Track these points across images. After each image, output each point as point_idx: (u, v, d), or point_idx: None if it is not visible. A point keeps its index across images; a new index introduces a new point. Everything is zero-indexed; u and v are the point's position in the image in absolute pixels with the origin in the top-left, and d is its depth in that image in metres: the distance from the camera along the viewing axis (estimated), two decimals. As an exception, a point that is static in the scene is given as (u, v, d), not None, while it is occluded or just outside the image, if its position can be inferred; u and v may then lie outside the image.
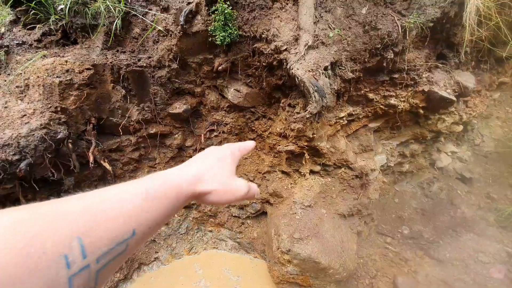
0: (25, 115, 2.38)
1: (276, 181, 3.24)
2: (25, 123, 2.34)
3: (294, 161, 3.16)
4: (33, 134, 2.30)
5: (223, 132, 3.31)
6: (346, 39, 2.55)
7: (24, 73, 2.56)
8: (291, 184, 3.17)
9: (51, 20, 2.77)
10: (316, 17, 2.61)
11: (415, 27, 2.44)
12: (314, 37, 2.55)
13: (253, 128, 3.31)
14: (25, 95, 2.51)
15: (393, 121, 3.11)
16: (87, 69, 2.69)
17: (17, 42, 2.78)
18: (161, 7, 2.93)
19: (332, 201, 3.00)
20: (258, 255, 3.31)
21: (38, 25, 2.91)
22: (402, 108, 2.87)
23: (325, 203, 2.97)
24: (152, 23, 2.76)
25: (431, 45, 2.78)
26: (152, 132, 3.08)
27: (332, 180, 3.07)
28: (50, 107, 2.49)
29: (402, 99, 2.84)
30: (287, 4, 2.71)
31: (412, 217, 3.40)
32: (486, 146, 3.89)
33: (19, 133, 2.26)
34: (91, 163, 2.61)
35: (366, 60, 2.59)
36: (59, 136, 2.42)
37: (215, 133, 3.33)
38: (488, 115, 4.05)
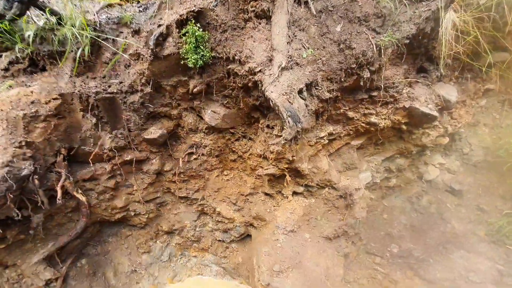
0: (-16, 153, 2.26)
1: (259, 204, 3.13)
2: (-16, 163, 2.21)
3: (276, 182, 3.06)
4: (-8, 174, 2.17)
5: (203, 154, 3.20)
6: (320, 58, 2.46)
7: (-13, 107, 2.45)
8: (274, 206, 3.06)
9: (16, 48, 2.66)
10: (289, 36, 2.52)
11: (391, 45, 2.36)
12: (288, 58, 2.46)
13: (234, 149, 3.20)
14: (-14, 131, 2.39)
15: (376, 137, 3.02)
16: (54, 99, 2.58)
17: (-19, 72, 2.67)
18: (132, 29, 2.83)
19: (317, 223, 2.89)
20: (244, 281, 3.19)
21: (4, 54, 2.81)
22: (383, 125, 2.78)
23: (309, 226, 2.86)
24: (118, 51, 2.65)
25: (410, 60, 2.70)
26: (127, 158, 2.97)
27: (316, 201, 2.96)
28: (14, 142, 2.37)
29: (383, 117, 2.75)
30: (259, 23, 2.63)
31: (402, 234, 3.29)
32: (475, 155, 3.81)
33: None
34: (59, 199, 2.49)
35: (342, 79, 2.51)
36: (23, 173, 2.30)
37: (194, 156, 3.22)
38: (476, 123, 3.97)
